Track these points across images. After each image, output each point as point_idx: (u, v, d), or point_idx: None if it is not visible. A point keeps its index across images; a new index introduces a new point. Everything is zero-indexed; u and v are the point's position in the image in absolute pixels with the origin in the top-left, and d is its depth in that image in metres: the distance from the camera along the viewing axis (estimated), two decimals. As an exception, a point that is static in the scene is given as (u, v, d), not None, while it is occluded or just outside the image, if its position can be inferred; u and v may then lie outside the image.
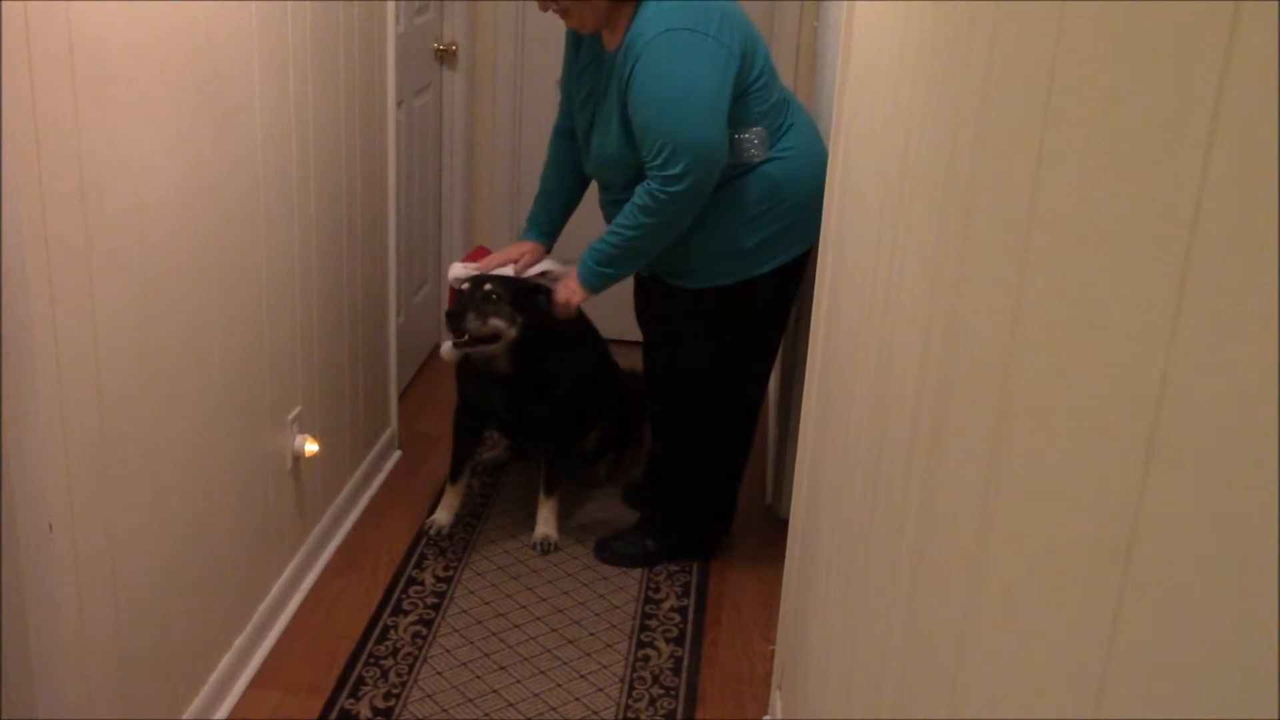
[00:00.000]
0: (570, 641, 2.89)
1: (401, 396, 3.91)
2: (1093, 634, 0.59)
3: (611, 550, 3.26)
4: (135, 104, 1.97)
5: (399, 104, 3.60)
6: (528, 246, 3.13)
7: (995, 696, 0.77)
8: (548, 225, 3.16)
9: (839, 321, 1.93)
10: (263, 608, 2.75)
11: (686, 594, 3.12)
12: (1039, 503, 0.70)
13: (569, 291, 2.95)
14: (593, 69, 2.85)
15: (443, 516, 3.33)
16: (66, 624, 1.92)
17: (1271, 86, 0.43)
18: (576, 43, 2.92)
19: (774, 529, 3.32)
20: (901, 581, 1.12)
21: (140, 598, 2.16)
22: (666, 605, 3.07)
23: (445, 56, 4.28)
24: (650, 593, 3.12)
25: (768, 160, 2.79)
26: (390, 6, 3.35)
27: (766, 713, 2.60)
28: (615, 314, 3.76)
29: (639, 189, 2.72)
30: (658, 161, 2.64)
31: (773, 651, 2.67)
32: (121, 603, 2.09)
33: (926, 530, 1.02)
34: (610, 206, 2.95)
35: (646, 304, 3.08)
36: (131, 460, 2.07)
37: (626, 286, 3.12)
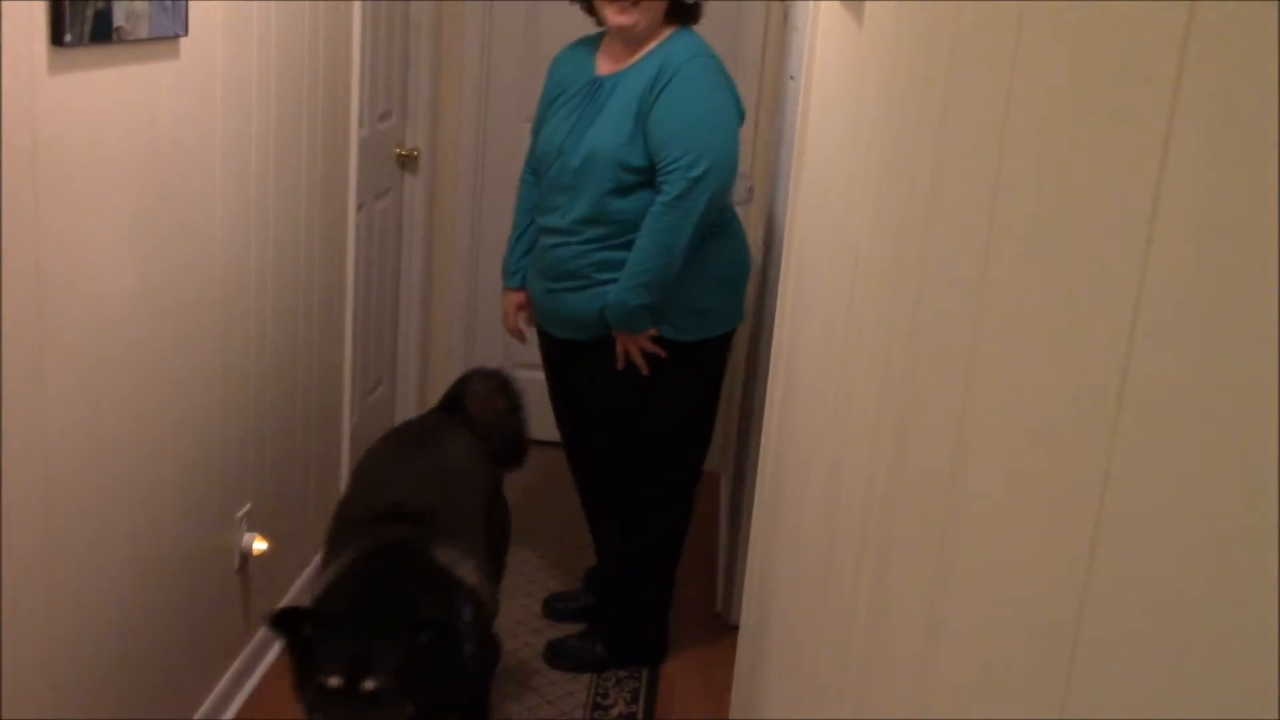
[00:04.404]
0: (517, 749, 2.84)
1: (352, 497, 3.87)
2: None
3: (561, 655, 3.23)
4: (95, 204, 1.98)
5: (359, 207, 3.63)
6: (519, 298, 3.21)
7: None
8: (525, 261, 3.18)
9: (790, 427, 1.95)
10: (204, 708, 2.69)
11: (635, 700, 3.09)
12: (986, 609, 0.71)
13: (633, 346, 2.93)
14: (585, 93, 2.95)
15: None
16: (1, 724, 1.87)
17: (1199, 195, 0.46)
18: (560, 82, 3.05)
19: (724, 635, 3.30)
20: (850, 689, 1.12)
21: (79, 697, 2.11)
22: (615, 711, 3.03)
23: (407, 161, 4.32)
24: (599, 699, 3.08)
25: (730, 235, 2.99)
26: (354, 111, 3.40)
27: (715, 824, 2.56)
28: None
29: (658, 199, 2.79)
30: (683, 162, 2.77)
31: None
32: (61, 702, 2.04)
33: (875, 637, 1.03)
34: (560, 248, 2.96)
35: (591, 376, 3.06)
36: (77, 556, 2.05)
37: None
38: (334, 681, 2.05)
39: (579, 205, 2.91)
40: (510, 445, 3.03)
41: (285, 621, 2.12)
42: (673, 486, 3.15)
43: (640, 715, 3.03)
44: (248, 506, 2.84)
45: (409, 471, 2.65)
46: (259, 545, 2.86)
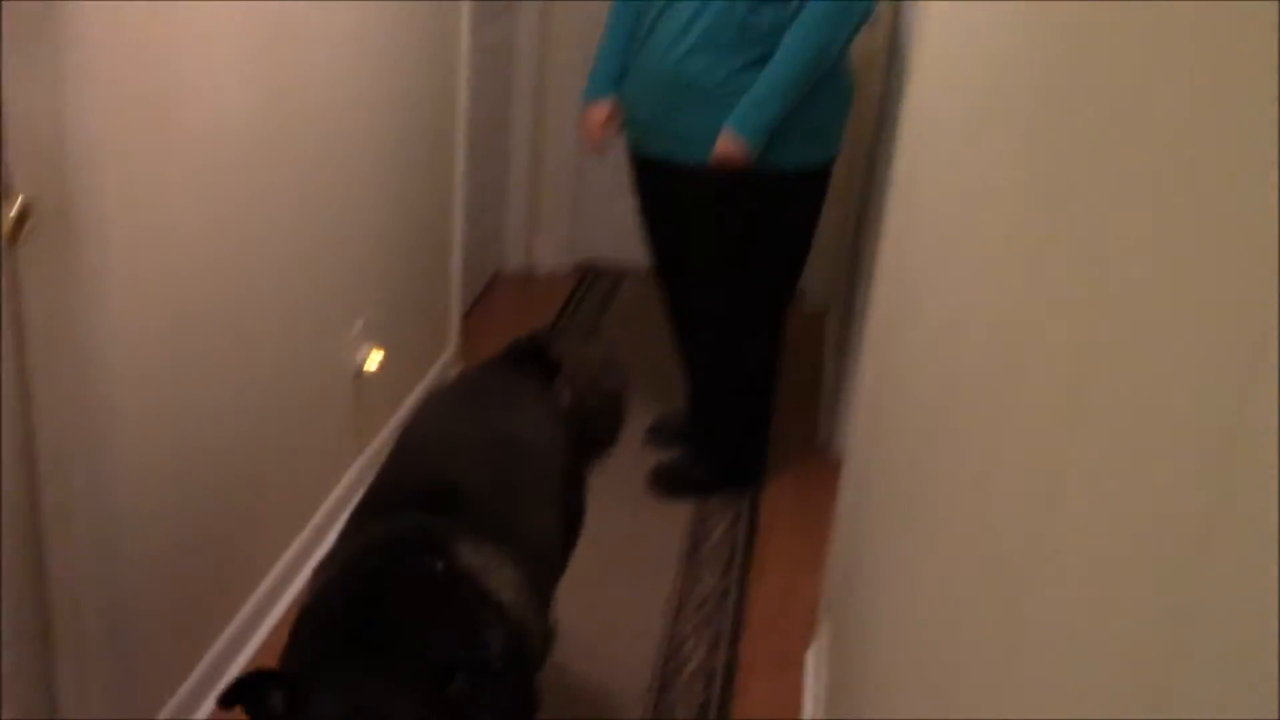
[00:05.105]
0: (619, 568, 2.91)
1: (464, 317, 3.92)
2: (1155, 630, 0.58)
3: (663, 477, 3.28)
4: (210, 27, 1.99)
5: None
6: (608, 108, 3.11)
7: (1044, 662, 0.76)
8: (619, 74, 3.10)
9: (908, 258, 1.90)
10: (315, 521, 2.78)
11: (736, 524, 3.14)
12: (1112, 464, 0.69)
13: (732, 152, 2.84)
14: None
15: None
16: (119, 506, 1.96)
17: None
18: None
19: (825, 466, 3.32)
20: (956, 530, 1.11)
21: (200, 500, 2.19)
22: (716, 535, 3.09)
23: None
24: (699, 523, 3.13)
25: (844, 58, 2.94)
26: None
27: (814, 640, 2.61)
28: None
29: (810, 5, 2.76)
30: None
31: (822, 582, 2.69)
32: (184, 504, 2.13)
33: (984, 489, 1.01)
34: (684, 60, 2.85)
35: (703, 204, 3.00)
36: (198, 354, 2.10)
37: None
38: None
39: (709, 11, 2.82)
40: (604, 434, 2.44)
41: (246, 694, 1.46)
42: (766, 311, 3.16)
43: (742, 538, 3.07)
44: (362, 321, 2.89)
45: (458, 439, 2.03)
46: (375, 356, 2.91)
